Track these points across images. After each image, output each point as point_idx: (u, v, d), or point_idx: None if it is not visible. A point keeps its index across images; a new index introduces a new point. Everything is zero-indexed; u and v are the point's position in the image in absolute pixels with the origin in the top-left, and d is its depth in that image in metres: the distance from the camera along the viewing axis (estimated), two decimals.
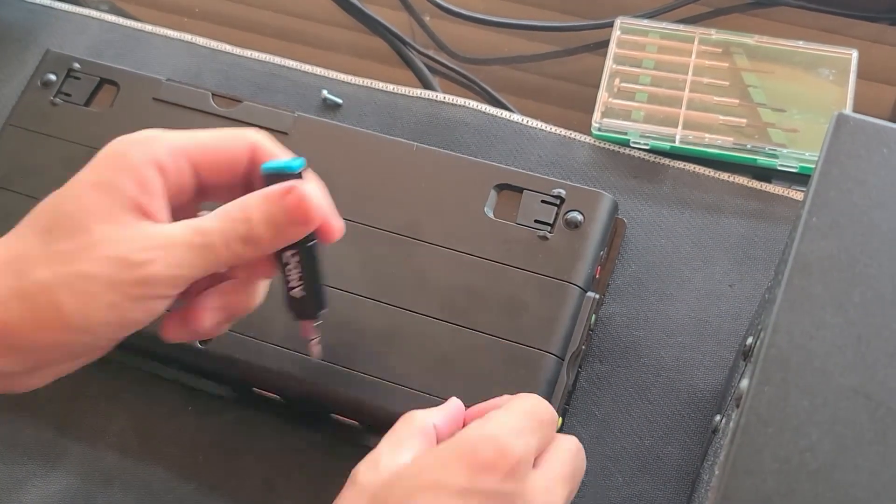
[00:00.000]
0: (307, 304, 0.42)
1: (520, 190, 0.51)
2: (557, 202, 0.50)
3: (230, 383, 0.51)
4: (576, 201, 0.50)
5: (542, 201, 0.50)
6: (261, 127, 0.54)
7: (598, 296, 0.49)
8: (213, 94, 0.56)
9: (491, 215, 0.50)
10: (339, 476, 0.50)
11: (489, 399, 0.44)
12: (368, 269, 0.50)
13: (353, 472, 0.39)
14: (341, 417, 0.48)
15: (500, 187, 0.51)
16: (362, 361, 0.48)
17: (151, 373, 0.53)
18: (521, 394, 0.41)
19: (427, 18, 0.66)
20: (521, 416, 0.39)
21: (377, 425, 0.47)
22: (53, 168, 0.54)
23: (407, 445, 0.39)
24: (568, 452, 0.40)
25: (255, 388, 0.49)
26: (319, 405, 0.48)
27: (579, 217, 0.49)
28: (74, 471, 0.51)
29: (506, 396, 0.42)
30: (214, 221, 0.38)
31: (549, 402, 0.46)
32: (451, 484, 0.35)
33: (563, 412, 0.47)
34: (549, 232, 0.49)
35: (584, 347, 0.48)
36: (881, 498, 0.28)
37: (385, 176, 0.52)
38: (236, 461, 0.51)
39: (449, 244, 0.50)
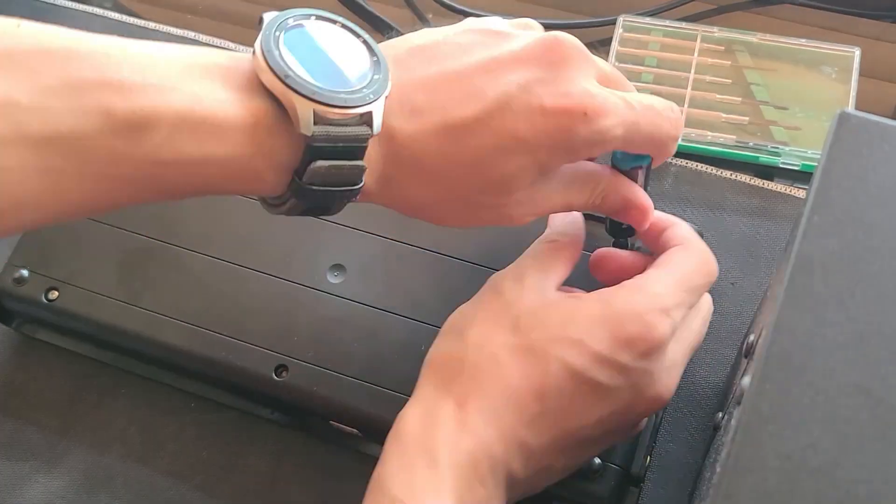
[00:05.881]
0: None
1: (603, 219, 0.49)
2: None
3: (307, 415, 0.50)
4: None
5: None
6: None
7: None
8: None
9: None
10: (341, 472, 0.50)
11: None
12: (450, 301, 0.47)
13: (497, 281, 0.42)
14: None
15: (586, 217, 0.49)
16: None
17: (149, 376, 0.53)
18: (682, 248, 0.42)
19: (430, 16, 0.67)
20: (675, 287, 0.40)
21: None
22: None
23: (552, 274, 0.42)
24: (701, 323, 0.44)
25: (331, 422, 0.48)
26: None
27: None
28: (77, 468, 0.51)
29: (674, 241, 0.43)
30: (580, 199, 0.41)
31: (636, 449, 0.45)
32: (593, 349, 0.38)
33: (649, 451, 0.46)
34: None
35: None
36: (883, 495, 0.28)
37: None
38: (239, 458, 0.51)
39: None
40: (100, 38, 0.34)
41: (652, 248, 0.44)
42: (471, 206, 0.39)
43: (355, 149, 0.35)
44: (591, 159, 0.42)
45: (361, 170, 0.36)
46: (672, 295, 0.40)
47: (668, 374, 0.40)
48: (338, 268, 0.50)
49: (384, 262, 0.50)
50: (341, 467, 0.50)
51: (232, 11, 0.68)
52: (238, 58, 0.36)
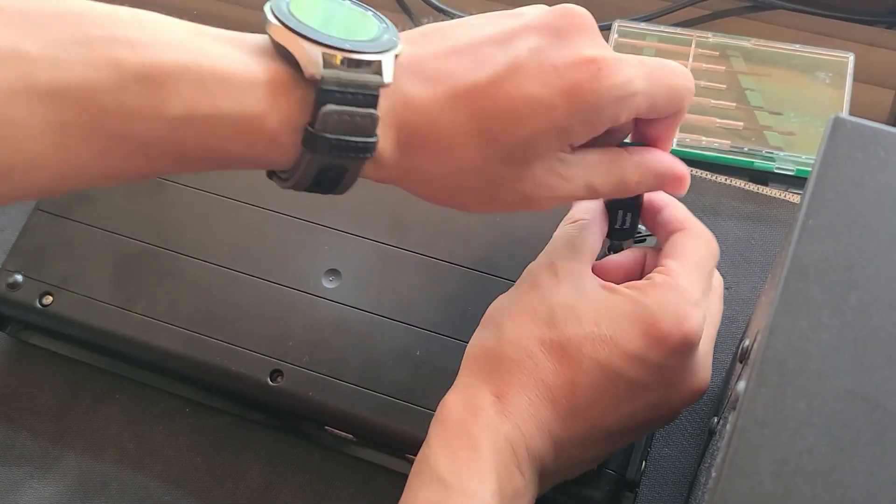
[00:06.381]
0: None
1: None
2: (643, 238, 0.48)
3: (302, 420, 0.50)
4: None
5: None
6: None
7: None
8: None
9: None
10: (337, 476, 0.50)
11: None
12: (445, 305, 0.48)
13: (532, 272, 0.42)
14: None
15: None
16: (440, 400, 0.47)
17: (144, 381, 0.53)
18: (688, 234, 0.42)
19: (425, 21, 0.66)
20: (697, 277, 0.40)
21: None
22: (114, 197, 0.53)
23: (584, 256, 0.42)
24: (718, 303, 0.44)
25: (326, 427, 0.48)
26: (396, 445, 0.47)
27: None
28: (71, 473, 0.51)
29: (678, 233, 0.43)
30: (605, 183, 0.40)
31: (631, 454, 0.45)
32: (626, 348, 0.38)
33: (645, 456, 0.46)
34: None
35: None
36: (879, 500, 0.28)
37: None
38: (234, 463, 0.51)
39: None
40: (112, 6, 0.34)
41: (650, 229, 0.45)
42: (490, 182, 0.38)
43: (367, 97, 0.35)
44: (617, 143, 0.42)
45: (375, 119, 0.35)
46: (697, 286, 0.40)
47: (700, 364, 0.41)
48: (333, 272, 0.50)
49: (379, 266, 0.50)
50: (336, 472, 0.50)
51: (226, 16, 0.68)
52: (246, 34, 0.36)
